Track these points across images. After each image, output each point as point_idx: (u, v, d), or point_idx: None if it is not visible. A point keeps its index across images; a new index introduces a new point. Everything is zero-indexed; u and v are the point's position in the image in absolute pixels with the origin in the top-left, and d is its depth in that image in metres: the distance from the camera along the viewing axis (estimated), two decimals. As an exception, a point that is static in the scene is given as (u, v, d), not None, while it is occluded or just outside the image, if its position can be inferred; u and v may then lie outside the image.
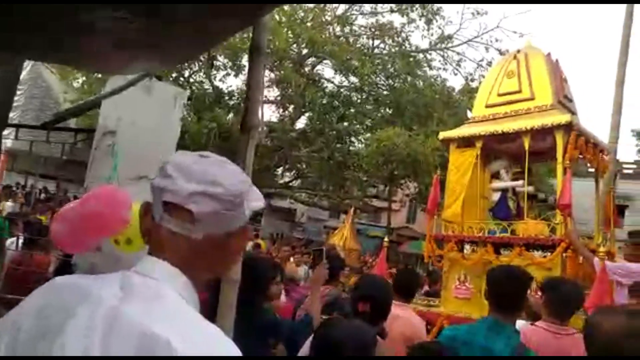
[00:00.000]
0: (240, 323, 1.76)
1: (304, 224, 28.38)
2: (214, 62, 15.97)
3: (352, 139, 19.65)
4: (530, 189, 5.01)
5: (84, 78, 15.91)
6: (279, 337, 2.73)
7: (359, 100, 18.21)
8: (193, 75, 16.69)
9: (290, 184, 20.13)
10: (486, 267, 4.45)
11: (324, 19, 17.18)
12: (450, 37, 17.67)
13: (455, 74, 18.13)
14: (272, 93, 18.40)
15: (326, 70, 18.81)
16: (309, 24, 16.44)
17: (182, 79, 15.88)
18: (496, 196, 5.20)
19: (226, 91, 16.78)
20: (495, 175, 5.35)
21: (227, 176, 0.89)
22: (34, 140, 5.20)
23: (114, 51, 1.74)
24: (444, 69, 18.20)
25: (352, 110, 18.04)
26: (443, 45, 17.91)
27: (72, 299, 0.82)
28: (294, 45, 16.90)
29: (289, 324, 2.96)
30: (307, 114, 18.41)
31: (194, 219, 0.86)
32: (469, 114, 18.01)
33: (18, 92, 14.17)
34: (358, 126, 19.04)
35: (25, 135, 5.53)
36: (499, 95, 5.14)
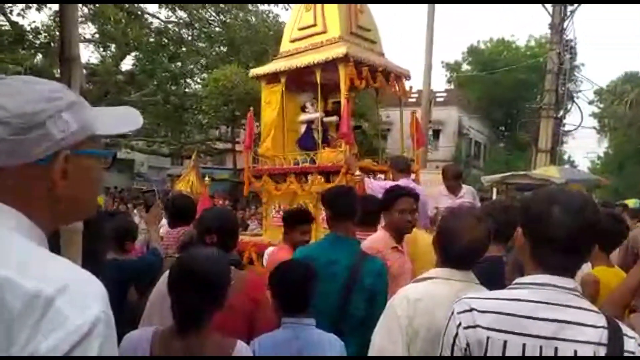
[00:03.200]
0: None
1: (145, 174, 26.76)
2: (7, -8, 13.33)
3: (188, 80, 18.66)
4: (334, 118, 5.24)
5: None
6: (126, 277, 2.74)
7: (190, 38, 17.20)
8: (-20, 11, 13.79)
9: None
10: (295, 196, 4.88)
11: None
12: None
13: (287, 10, 18.05)
14: (89, 30, 16.28)
15: (149, 6, 17.20)
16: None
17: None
18: (303, 128, 5.45)
19: (29, 28, 14.27)
20: (303, 108, 5.54)
21: (13, 95, 0.77)
22: None
23: None
24: (285, 7, 18.03)
25: (184, 49, 17.00)
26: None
27: None
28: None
29: (131, 262, 2.94)
30: (133, 54, 16.82)
31: None
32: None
33: None
34: (192, 66, 18.09)
35: None
36: (299, 29, 5.25)
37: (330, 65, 4.74)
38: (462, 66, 33.92)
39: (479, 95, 30.32)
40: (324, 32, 5.01)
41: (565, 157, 31.27)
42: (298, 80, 5.29)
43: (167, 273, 1.74)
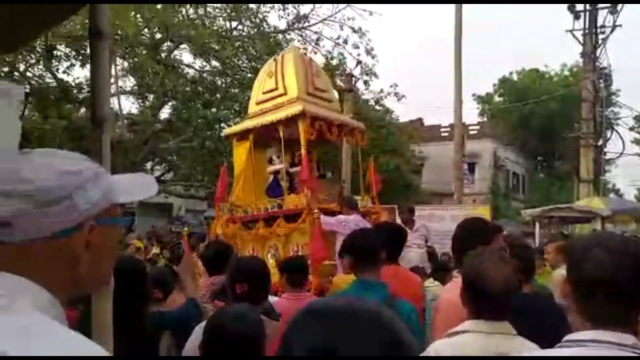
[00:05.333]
0: (120, 333, 1.65)
1: (182, 217, 27.26)
2: (54, 52, 14.27)
3: (222, 124, 19.19)
4: (299, 168, 5.74)
5: None
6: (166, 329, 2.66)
7: (223, 85, 17.80)
8: (30, 69, 14.77)
9: (162, 177, 19.11)
10: (267, 239, 5.40)
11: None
12: (306, 16, 17.98)
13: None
14: (129, 83, 17.14)
15: (185, 55, 18.01)
16: (158, 7, 15.48)
17: (16, 73, 13.96)
18: (271, 178, 6.13)
19: (73, 84, 15.15)
20: (270, 161, 6.24)
21: (35, 170, 0.79)
22: None
23: None
24: (304, 48, 18.52)
25: (218, 95, 17.57)
26: (300, 25, 18.19)
27: None
28: (146, 30, 15.83)
29: (172, 315, 2.84)
30: (170, 103, 17.50)
31: (3, 222, 0.77)
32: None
33: None
34: (226, 111, 18.64)
35: None
36: (264, 93, 6.01)
37: (290, 122, 5.40)
38: (493, 98, 33.64)
39: (514, 126, 29.86)
40: (285, 94, 5.71)
41: (610, 186, 30.07)
42: (265, 137, 5.98)
43: (200, 326, 1.71)
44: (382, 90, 18.82)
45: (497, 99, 33.34)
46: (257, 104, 6.08)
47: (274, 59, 6.18)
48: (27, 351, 0.68)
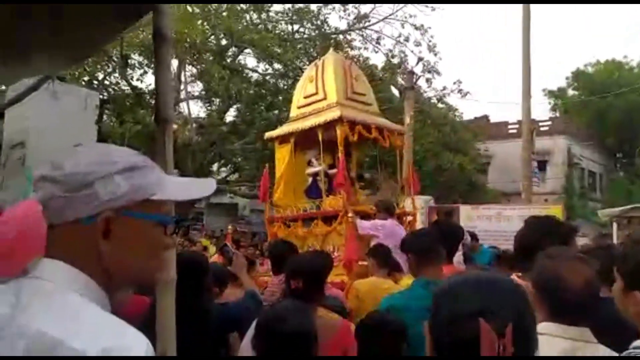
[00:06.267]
0: (184, 325, 1.72)
1: (247, 217, 28.04)
2: (128, 60, 15.20)
3: (284, 126, 19.49)
4: (334, 171, 5.96)
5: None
6: (229, 323, 2.66)
7: (285, 87, 18.13)
8: (107, 77, 15.84)
9: (228, 178, 19.77)
10: (305, 239, 5.57)
11: (239, 7, 16.84)
12: (366, 16, 17.91)
13: (376, 52, 18.39)
14: (197, 88, 17.89)
15: (248, 59, 18.51)
16: (224, 14, 16.05)
17: (95, 82, 15.03)
18: (310, 180, 6.29)
19: (147, 90, 16.07)
20: (309, 163, 6.42)
21: (75, 158, 0.85)
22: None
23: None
24: (365, 48, 18.46)
25: (280, 97, 17.93)
26: (361, 25, 18.14)
27: None
28: (212, 37, 16.47)
29: (232, 307, 2.82)
30: (235, 106, 18.08)
31: (42, 205, 0.83)
32: (393, 90, 18.41)
33: None
34: (288, 113, 18.92)
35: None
36: (304, 97, 6.23)
37: (329, 126, 5.61)
38: (566, 92, 31.71)
39: (589, 121, 27.96)
40: (324, 98, 5.92)
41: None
42: (305, 140, 6.16)
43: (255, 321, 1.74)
44: (444, 88, 18.39)
45: (570, 92, 31.41)
46: (299, 107, 6.34)
47: (315, 64, 6.44)
48: (68, 333, 0.72)
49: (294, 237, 5.66)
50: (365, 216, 5.36)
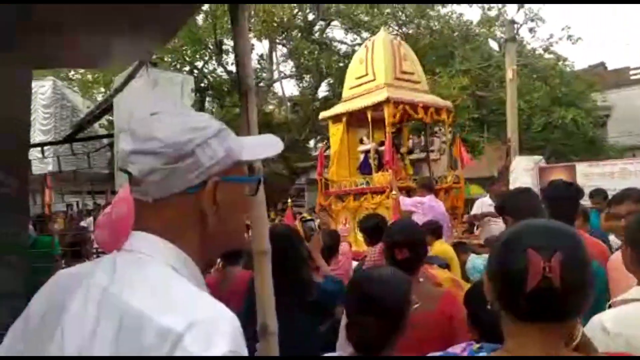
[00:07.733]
0: (284, 297, 1.75)
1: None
2: (222, 46, 15.86)
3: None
4: (384, 148, 6.25)
5: (102, 89, 16.20)
6: (325, 299, 2.52)
7: (375, 55, 17.75)
8: (206, 65, 16.67)
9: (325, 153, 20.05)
10: (356, 211, 6.12)
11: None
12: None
13: (471, 6, 17.16)
14: (288, 67, 18.19)
15: (336, 31, 18.39)
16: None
17: (196, 70, 15.90)
18: (362, 157, 6.77)
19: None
20: (361, 141, 6.88)
21: (164, 128, 0.80)
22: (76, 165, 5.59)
23: (89, 42, 1.68)
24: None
25: (371, 67, 17.60)
26: (451, -20, 16.99)
27: (70, 286, 0.82)
28: (299, 13, 16.54)
29: (326, 284, 2.57)
30: (326, 81, 18.12)
31: (138, 180, 0.80)
32: (492, 44, 17.07)
33: (46, 115, 14.55)
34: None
35: (66, 163, 5.73)
36: (356, 79, 6.63)
37: (378, 107, 6.00)
38: None
39: None
40: (373, 79, 6.30)
41: None
42: (356, 119, 6.56)
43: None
44: (551, 36, 16.67)
45: None
46: (350, 88, 6.71)
47: (365, 46, 6.77)
48: (157, 308, 0.71)
49: (346, 210, 6.35)
50: (409, 191, 5.88)
